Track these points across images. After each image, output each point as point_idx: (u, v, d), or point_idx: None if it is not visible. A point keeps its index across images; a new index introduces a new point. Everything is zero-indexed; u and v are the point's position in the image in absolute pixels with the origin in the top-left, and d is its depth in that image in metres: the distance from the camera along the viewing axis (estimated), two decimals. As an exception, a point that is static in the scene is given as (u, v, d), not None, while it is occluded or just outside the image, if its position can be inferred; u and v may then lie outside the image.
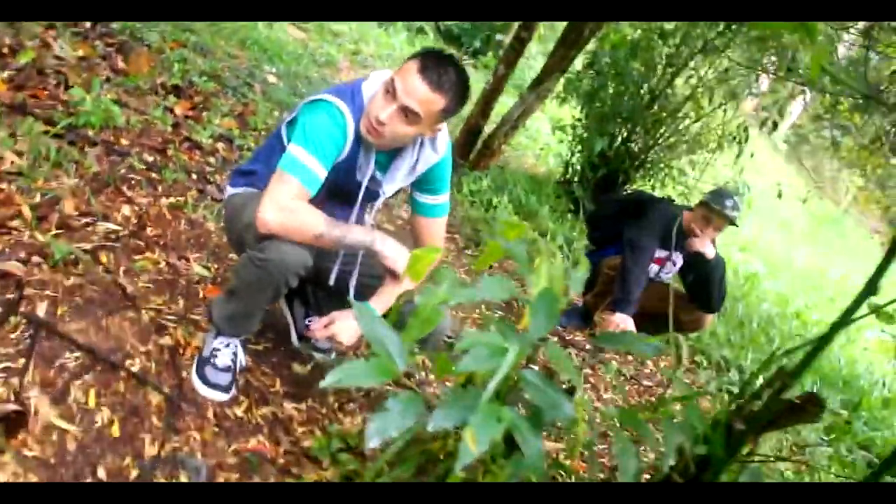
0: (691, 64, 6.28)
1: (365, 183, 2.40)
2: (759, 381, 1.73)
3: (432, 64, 2.18)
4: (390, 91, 2.20)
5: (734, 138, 6.44)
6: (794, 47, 5.76)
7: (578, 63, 6.30)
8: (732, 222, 4.11)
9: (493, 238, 1.96)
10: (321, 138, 2.24)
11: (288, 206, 2.17)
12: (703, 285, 4.21)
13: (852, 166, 12.84)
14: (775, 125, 6.53)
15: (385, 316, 1.93)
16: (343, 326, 2.42)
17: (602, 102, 6.48)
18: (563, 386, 1.81)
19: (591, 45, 6.18)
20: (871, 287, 1.41)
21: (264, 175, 2.35)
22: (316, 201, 2.25)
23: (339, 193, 2.42)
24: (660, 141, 6.58)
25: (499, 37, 9.64)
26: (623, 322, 3.91)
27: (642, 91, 6.39)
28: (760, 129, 7.29)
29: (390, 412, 1.53)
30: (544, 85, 5.46)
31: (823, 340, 1.50)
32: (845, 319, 1.44)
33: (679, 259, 4.31)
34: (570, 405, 1.60)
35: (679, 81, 6.45)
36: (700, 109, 6.44)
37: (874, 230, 17.92)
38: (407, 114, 2.20)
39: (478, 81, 7.65)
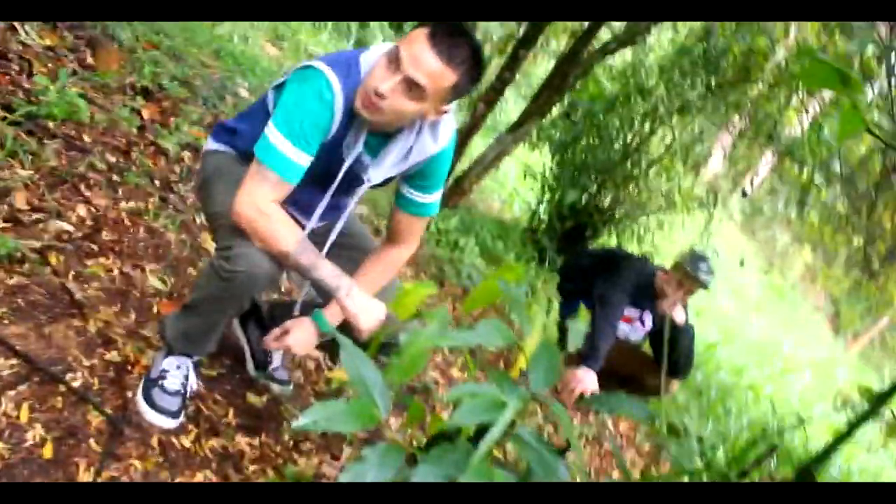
0: (668, 123, 6.26)
1: (348, 162, 2.13)
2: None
3: (444, 33, 1.91)
4: (394, 61, 1.93)
5: (702, 203, 6.45)
6: (771, 112, 5.83)
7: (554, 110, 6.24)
8: (705, 286, 4.06)
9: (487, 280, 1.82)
10: (304, 122, 2.01)
11: (264, 212, 2.00)
12: (671, 349, 4.11)
13: (806, 241, 13.17)
14: (744, 193, 6.55)
15: (361, 345, 1.74)
16: (299, 338, 2.24)
17: (575, 153, 6.43)
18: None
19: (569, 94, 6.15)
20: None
21: (247, 135, 2.19)
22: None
23: (317, 174, 2.13)
24: (631, 198, 6.54)
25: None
26: (585, 377, 3.76)
27: (616, 146, 6.36)
28: (728, 196, 7.33)
29: (367, 463, 1.37)
30: (523, 128, 5.39)
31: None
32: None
33: (649, 319, 4.22)
34: (564, 469, 1.47)
35: (654, 140, 6.43)
36: (672, 169, 6.43)
37: (816, 307, 18.26)
38: (411, 87, 1.94)
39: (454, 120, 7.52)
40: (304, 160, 2.03)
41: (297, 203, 2.23)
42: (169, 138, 3.70)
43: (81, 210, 2.82)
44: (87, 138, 3.25)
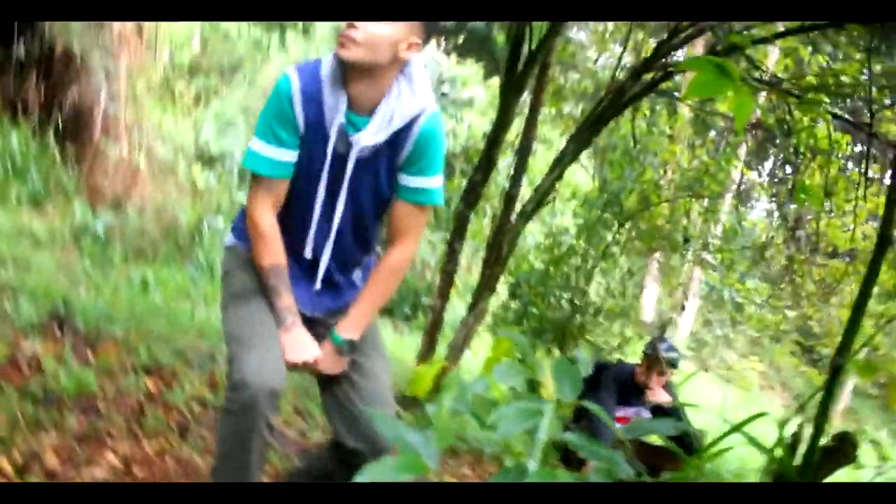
0: (598, 269, 6.73)
1: (335, 125, 2.20)
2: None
3: None
4: None
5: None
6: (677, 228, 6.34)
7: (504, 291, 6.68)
8: (673, 364, 4.37)
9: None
10: (267, 118, 2.21)
11: (256, 224, 2.25)
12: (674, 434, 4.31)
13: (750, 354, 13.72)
14: (682, 307, 6.95)
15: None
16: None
17: (530, 322, 6.82)
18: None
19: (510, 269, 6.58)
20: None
21: (244, 229, 2.35)
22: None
23: (311, 172, 2.26)
24: (589, 343, 6.88)
25: (425, 300, 10.14)
26: None
27: (563, 304, 6.77)
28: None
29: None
30: (479, 306, 5.74)
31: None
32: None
33: (646, 414, 4.44)
34: (625, 462, 1.59)
35: (592, 289, 6.87)
36: (616, 310, 6.84)
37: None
38: None
39: (409, 349, 7.93)
40: (274, 153, 2.21)
41: (297, 228, 2.34)
42: (177, 396, 3.96)
43: (110, 456, 3.02)
44: (101, 405, 3.50)
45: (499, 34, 6.38)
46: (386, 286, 2.38)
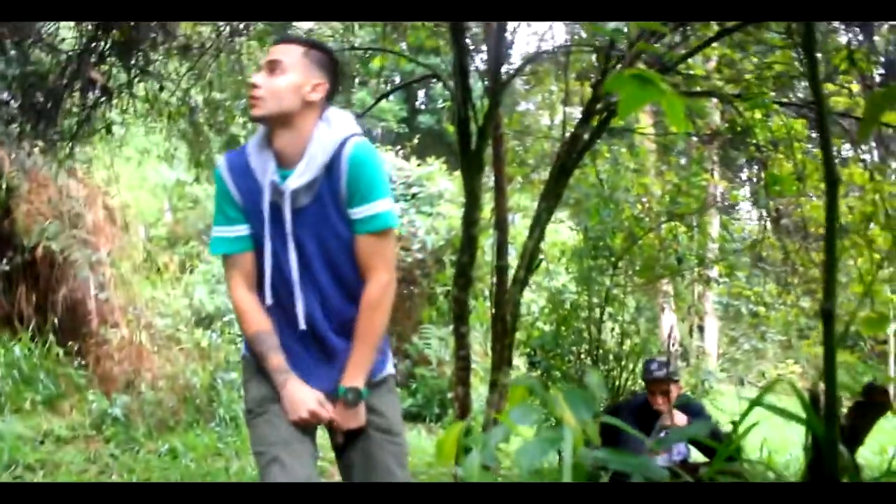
0: (606, 315, 6.74)
1: (267, 184, 2.34)
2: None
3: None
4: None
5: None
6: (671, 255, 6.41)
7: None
8: (668, 380, 4.39)
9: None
10: (216, 203, 2.46)
11: (234, 300, 2.45)
12: (704, 448, 4.30)
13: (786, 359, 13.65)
14: (701, 329, 6.95)
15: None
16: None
17: (555, 384, 6.79)
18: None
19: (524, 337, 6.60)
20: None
21: None
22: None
23: (257, 231, 2.41)
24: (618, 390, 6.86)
25: (450, 395, 10.08)
26: None
27: (581, 356, 6.76)
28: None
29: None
30: (500, 382, 5.74)
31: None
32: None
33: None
34: (656, 465, 1.62)
35: (605, 336, 6.87)
36: (636, 349, 6.83)
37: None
38: (272, 67, 2.33)
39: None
40: (226, 231, 2.42)
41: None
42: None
43: None
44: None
45: (448, 125, 6.57)
46: (372, 323, 2.40)
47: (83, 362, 7.53)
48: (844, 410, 1.64)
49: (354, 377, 2.38)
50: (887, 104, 1.90)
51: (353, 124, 2.44)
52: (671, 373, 4.43)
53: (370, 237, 2.38)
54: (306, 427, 2.42)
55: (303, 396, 2.36)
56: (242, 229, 2.42)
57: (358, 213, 2.36)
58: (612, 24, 4.39)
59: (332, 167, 2.34)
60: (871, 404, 1.76)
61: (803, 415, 1.46)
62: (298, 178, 2.33)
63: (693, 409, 4.51)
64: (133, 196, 9.13)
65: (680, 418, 4.35)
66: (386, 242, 2.42)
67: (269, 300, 2.41)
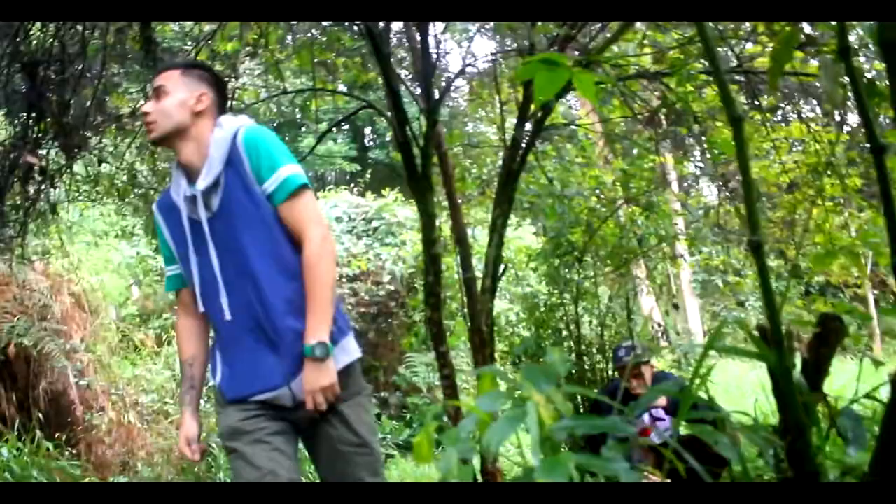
0: (581, 309, 6.80)
1: (182, 200, 2.55)
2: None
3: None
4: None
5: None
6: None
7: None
8: (638, 363, 4.45)
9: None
10: (160, 245, 2.74)
11: (175, 330, 2.78)
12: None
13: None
14: (676, 307, 7.04)
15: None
16: (308, 379, 2.42)
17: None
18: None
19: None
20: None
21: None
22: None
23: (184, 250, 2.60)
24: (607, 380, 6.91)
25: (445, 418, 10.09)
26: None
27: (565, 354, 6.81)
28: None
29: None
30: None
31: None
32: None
33: (660, 413, 4.46)
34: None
35: (585, 331, 6.91)
36: (616, 337, 6.89)
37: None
38: (158, 94, 2.55)
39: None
40: (168, 270, 2.72)
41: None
42: None
43: None
44: None
45: (395, 154, 6.64)
46: (319, 274, 2.44)
47: (74, 452, 7.45)
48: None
49: (316, 332, 2.40)
50: (791, 48, 1.97)
51: (245, 119, 2.61)
52: (639, 355, 4.49)
53: (289, 203, 2.48)
54: (283, 454, 2.47)
55: (181, 432, 2.66)
56: (177, 268, 2.68)
57: (270, 185, 2.48)
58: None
59: (231, 159, 2.49)
60: (827, 333, 1.82)
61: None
62: (204, 179, 2.48)
63: (674, 382, 4.54)
64: (97, 279, 9.09)
65: (660, 398, 4.39)
66: (305, 201, 2.50)
67: (201, 308, 2.58)
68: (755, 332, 1.64)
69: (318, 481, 2.68)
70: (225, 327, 2.54)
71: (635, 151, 6.80)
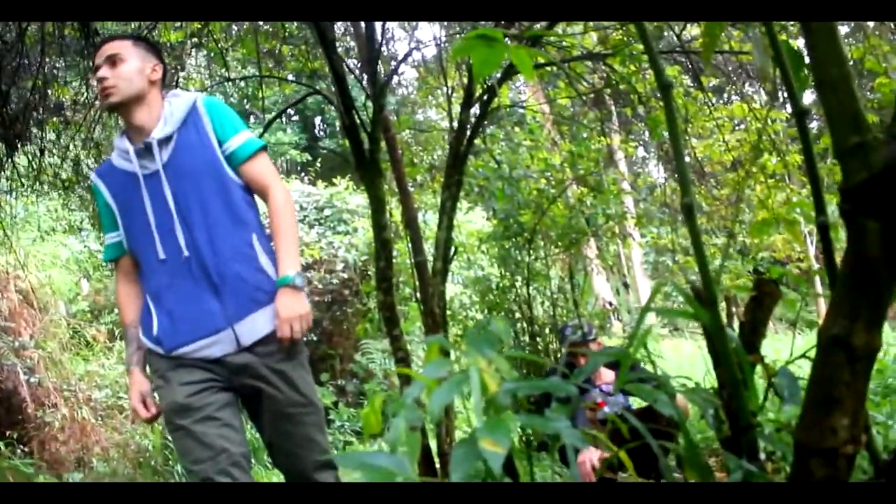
0: (533, 290, 6.87)
1: (132, 156, 2.62)
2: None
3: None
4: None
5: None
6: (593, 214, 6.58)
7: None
8: (584, 340, 4.51)
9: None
10: (99, 216, 2.87)
11: (116, 296, 2.85)
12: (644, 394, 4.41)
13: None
14: (626, 285, 7.14)
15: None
16: (285, 305, 2.54)
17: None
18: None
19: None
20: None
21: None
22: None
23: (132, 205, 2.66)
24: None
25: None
26: (585, 453, 3.94)
27: (519, 335, 6.88)
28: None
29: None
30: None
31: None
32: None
33: (596, 392, 4.53)
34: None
35: (537, 312, 6.99)
36: (568, 316, 6.98)
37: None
38: (112, 60, 2.63)
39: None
40: (108, 238, 2.78)
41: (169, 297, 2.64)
42: None
43: None
44: None
45: (344, 142, 6.64)
46: (287, 219, 2.64)
47: (27, 450, 7.36)
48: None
49: (291, 265, 2.57)
50: (722, 23, 2.03)
51: (195, 93, 2.80)
52: (585, 333, 4.54)
53: (252, 161, 2.68)
54: (232, 429, 2.52)
55: (132, 387, 2.69)
56: (118, 235, 2.73)
57: (232, 144, 2.67)
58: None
59: (189, 120, 2.65)
60: (762, 297, 1.88)
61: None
62: (161, 130, 2.62)
63: (618, 364, 4.60)
64: (45, 275, 8.94)
65: (607, 374, 4.45)
66: (267, 161, 2.73)
67: (161, 255, 2.60)
68: (689, 293, 1.70)
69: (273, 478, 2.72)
70: (169, 273, 2.60)
71: (585, 135, 6.86)
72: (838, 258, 1.35)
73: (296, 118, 18.80)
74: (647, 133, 7.34)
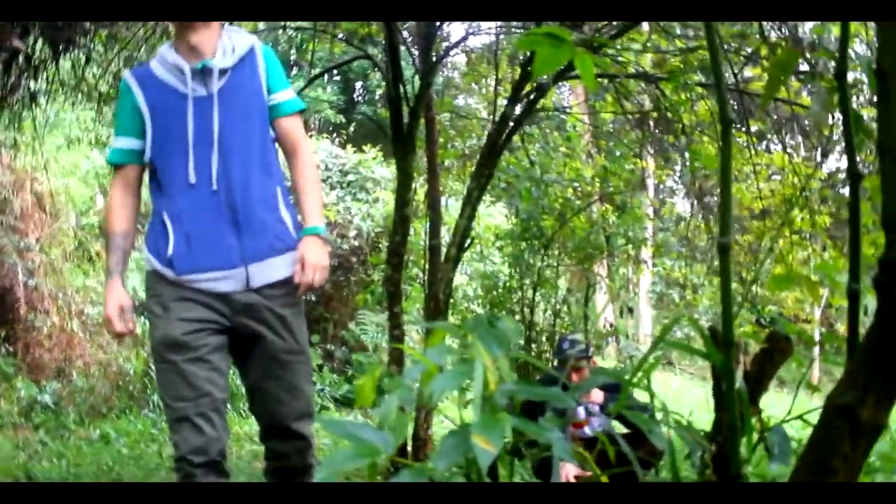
0: (539, 296, 6.85)
1: (188, 73, 2.58)
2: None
3: None
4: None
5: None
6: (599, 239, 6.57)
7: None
8: (583, 357, 4.43)
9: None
10: (119, 116, 2.72)
11: (108, 202, 2.73)
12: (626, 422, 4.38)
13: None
14: (630, 310, 7.12)
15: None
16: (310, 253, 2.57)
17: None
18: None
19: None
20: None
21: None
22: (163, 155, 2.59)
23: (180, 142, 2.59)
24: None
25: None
26: (566, 466, 3.92)
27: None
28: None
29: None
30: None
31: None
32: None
33: (596, 408, 4.49)
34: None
35: (538, 317, 6.96)
36: (567, 327, 6.97)
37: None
38: None
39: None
40: (123, 143, 2.66)
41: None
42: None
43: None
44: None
45: (383, 111, 6.61)
46: (314, 177, 2.76)
47: (11, 350, 7.39)
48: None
49: (316, 218, 2.65)
50: (788, 69, 2.00)
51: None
52: (582, 350, 4.47)
53: (291, 118, 2.73)
54: (219, 373, 2.54)
55: (110, 298, 2.57)
56: (137, 143, 2.64)
57: (278, 98, 2.70)
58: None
59: (246, 60, 2.66)
60: (774, 351, 1.86)
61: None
62: (221, 60, 2.61)
63: (610, 386, 4.56)
64: (63, 183, 8.94)
65: (597, 394, 4.41)
66: (300, 121, 2.80)
67: (192, 179, 2.57)
68: (705, 331, 1.68)
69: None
70: (193, 199, 2.58)
71: (620, 153, 6.82)
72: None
73: (337, 78, 18.71)
74: (680, 164, 7.30)
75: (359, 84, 19.13)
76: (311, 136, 11.88)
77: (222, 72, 2.61)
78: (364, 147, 11.02)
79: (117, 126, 2.72)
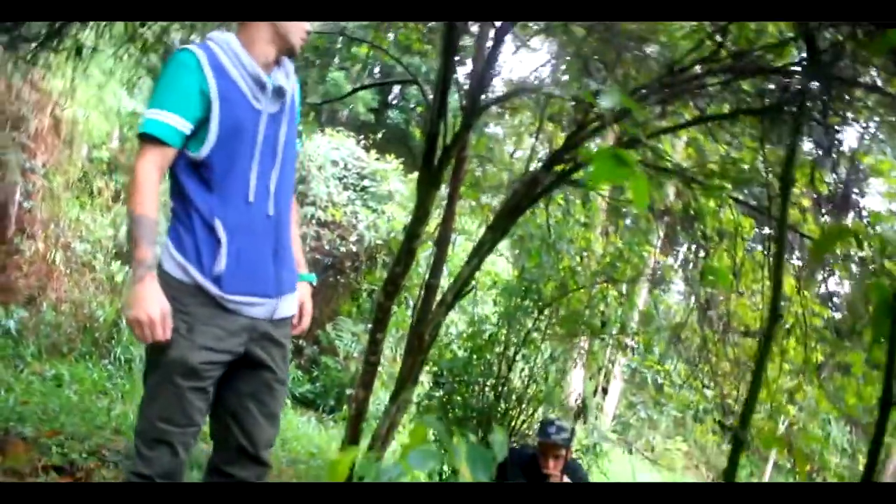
0: (520, 356, 6.79)
1: (266, 83, 2.49)
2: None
3: None
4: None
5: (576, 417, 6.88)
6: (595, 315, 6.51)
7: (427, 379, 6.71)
8: (563, 445, 4.36)
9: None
10: (172, 89, 2.38)
11: (138, 175, 2.32)
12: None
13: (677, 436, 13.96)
14: (605, 391, 7.04)
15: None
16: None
17: (454, 411, 6.82)
18: None
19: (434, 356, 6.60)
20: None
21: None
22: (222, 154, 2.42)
23: (239, 142, 2.46)
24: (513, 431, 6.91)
25: (349, 391, 10.03)
26: None
27: (486, 389, 6.81)
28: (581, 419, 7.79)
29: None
30: (402, 396, 5.73)
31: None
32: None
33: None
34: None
35: (514, 375, 6.91)
36: (539, 396, 6.90)
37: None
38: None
39: (333, 440, 7.91)
40: (176, 121, 2.35)
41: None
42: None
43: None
44: None
45: (415, 129, 6.57)
46: (297, 223, 2.84)
47: (-12, 267, 7.31)
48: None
49: (304, 267, 2.80)
50: (836, 240, 1.96)
51: None
52: (566, 439, 4.41)
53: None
54: (208, 403, 2.50)
55: (152, 297, 2.28)
56: (188, 127, 2.39)
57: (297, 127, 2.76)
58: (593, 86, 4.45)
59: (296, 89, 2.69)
60: None
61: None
62: (287, 82, 2.57)
63: (580, 477, 4.52)
64: (84, 113, 8.86)
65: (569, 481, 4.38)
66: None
67: (251, 197, 2.47)
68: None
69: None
70: (249, 218, 2.48)
71: (636, 240, 6.77)
72: None
73: (377, 73, 18.76)
74: (692, 266, 7.28)
75: (395, 88, 19.09)
76: (337, 130, 11.84)
77: (283, 92, 2.57)
78: (387, 156, 11.00)
79: (169, 99, 2.36)
